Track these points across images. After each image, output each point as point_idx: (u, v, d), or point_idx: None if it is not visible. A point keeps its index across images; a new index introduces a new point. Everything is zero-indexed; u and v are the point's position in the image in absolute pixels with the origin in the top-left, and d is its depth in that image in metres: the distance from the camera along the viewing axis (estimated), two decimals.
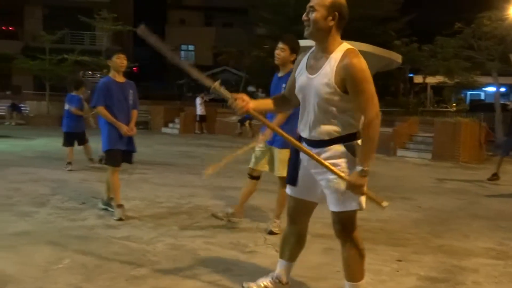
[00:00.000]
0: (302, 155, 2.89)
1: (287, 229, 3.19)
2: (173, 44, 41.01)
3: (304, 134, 2.88)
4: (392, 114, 23.03)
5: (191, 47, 42.20)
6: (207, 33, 39.79)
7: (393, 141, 14.78)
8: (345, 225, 2.86)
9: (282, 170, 4.62)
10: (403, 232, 5.21)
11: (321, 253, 4.28)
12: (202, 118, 22.23)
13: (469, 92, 32.62)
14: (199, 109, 22.19)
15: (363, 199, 2.79)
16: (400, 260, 4.16)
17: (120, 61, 5.28)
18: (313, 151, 2.79)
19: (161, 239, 4.51)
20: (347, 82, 2.65)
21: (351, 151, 2.76)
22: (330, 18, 2.70)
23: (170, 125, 23.14)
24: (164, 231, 4.80)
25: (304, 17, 2.75)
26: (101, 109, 5.30)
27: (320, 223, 5.36)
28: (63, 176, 7.88)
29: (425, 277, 3.78)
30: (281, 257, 3.24)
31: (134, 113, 5.50)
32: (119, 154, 5.31)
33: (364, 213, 5.40)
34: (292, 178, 3.01)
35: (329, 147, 2.77)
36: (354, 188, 2.69)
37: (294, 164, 2.99)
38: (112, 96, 5.28)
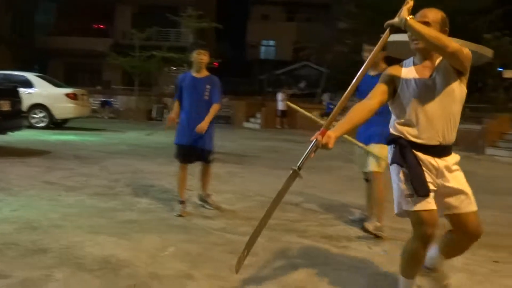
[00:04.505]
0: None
1: None
2: (254, 39, 41.62)
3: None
4: (479, 110, 22.17)
5: (272, 43, 42.53)
6: (288, 29, 39.90)
7: (482, 139, 14.28)
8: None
9: (375, 165, 4.69)
10: (499, 233, 5.10)
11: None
12: (284, 113, 22.46)
13: None
14: (281, 105, 22.42)
15: None
16: (497, 262, 4.10)
17: (199, 57, 5.30)
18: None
19: None
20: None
21: None
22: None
23: (252, 119, 23.55)
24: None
25: None
26: (175, 103, 5.53)
27: None
28: (157, 168, 8.30)
29: None
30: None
31: (213, 107, 5.32)
32: (187, 150, 5.32)
33: None
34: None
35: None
36: None
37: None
38: (184, 91, 5.36)
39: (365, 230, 4.71)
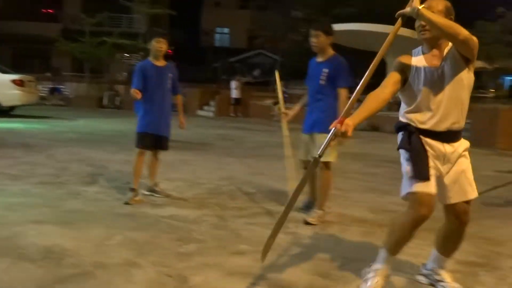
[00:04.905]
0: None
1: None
2: (208, 27, 41.31)
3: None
4: None
5: (226, 30, 42.33)
6: (242, 16, 39.81)
7: None
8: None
9: (326, 154, 4.71)
10: (440, 218, 5.26)
11: (360, 237, 4.40)
12: (237, 101, 22.45)
13: (508, 78, 31.85)
14: (234, 93, 22.40)
15: None
16: None
17: (158, 45, 5.23)
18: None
19: (204, 219, 4.70)
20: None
21: None
22: None
23: (205, 107, 23.41)
24: (207, 211, 5.00)
25: (423, 22, 2.83)
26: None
27: (358, 207, 5.50)
28: (106, 156, 8.17)
29: (464, 261, 3.85)
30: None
31: (179, 99, 5.61)
32: (150, 138, 5.32)
33: (400, 200, 5.45)
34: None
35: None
36: None
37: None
38: (147, 79, 5.24)
39: (308, 223, 4.69)
